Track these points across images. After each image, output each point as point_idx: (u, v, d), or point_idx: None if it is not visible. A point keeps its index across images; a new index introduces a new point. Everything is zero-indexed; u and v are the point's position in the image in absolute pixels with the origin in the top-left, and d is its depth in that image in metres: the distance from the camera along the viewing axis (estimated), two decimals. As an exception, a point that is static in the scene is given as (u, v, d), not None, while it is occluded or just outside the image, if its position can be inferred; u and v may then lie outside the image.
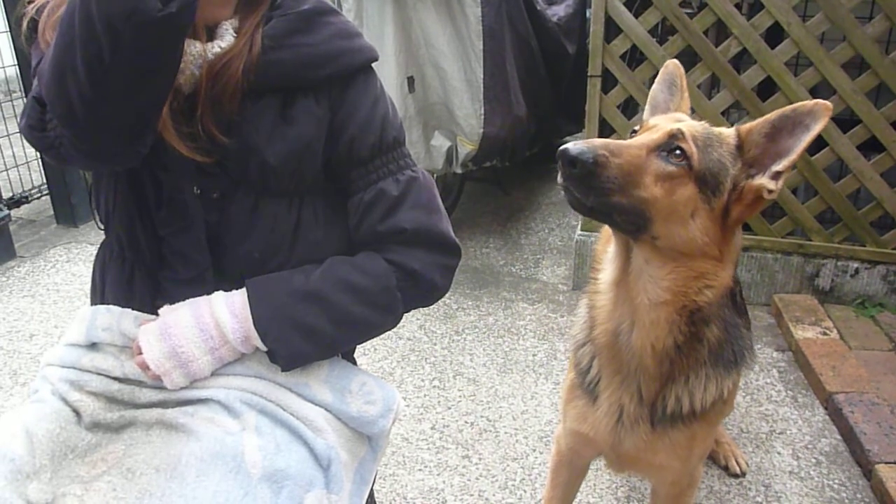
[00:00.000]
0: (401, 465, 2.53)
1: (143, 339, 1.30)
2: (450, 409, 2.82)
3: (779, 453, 2.60)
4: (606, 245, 1.50)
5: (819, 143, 3.26)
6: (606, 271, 1.45)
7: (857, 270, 3.42)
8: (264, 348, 1.32)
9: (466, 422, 2.75)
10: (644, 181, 1.26)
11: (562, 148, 1.23)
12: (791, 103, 1.35)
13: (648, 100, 1.57)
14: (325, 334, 1.32)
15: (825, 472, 2.51)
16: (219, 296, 1.33)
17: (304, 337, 1.30)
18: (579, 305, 1.66)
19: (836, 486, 2.46)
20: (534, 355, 3.16)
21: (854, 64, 3.16)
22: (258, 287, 1.32)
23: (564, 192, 1.28)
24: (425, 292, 1.40)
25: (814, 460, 2.57)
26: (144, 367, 1.30)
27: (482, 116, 3.66)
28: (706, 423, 1.55)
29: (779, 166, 1.29)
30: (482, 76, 3.59)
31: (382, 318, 1.37)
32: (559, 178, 1.26)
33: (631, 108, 3.44)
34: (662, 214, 1.28)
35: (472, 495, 2.40)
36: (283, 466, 1.23)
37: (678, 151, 1.28)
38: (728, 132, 1.35)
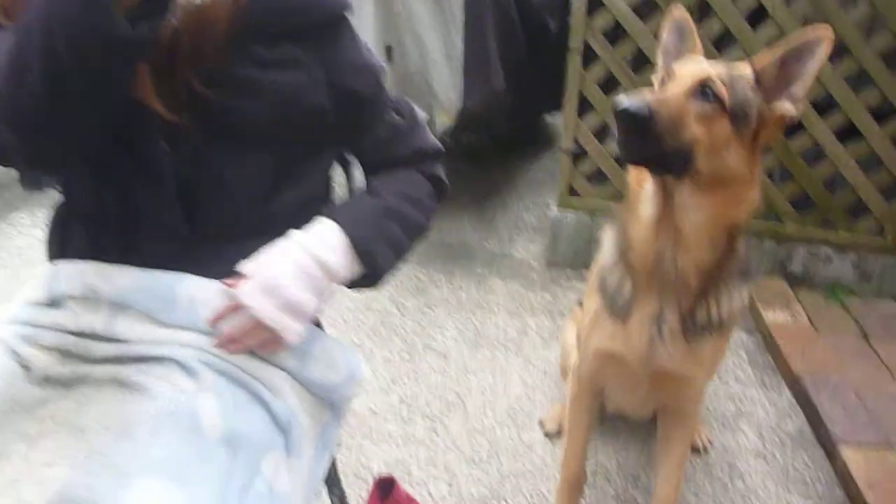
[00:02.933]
0: (367, 436, 2.51)
1: (250, 300, 1.23)
2: (418, 382, 2.79)
3: (744, 433, 2.61)
4: (641, 181, 1.60)
5: (796, 127, 3.25)
6: (645, 208, 1.57)
7: (828, 257, 3.43)
8: (361, 271, 1.34)
9: (434, 395, 2.72)
10: (688, 123, 1.40)
11: (619, 106, 1.35)
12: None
13: (660, 46, 1.67)
14: (404, 246, 1.40)
15: (789, 453, 2.52)
16: (302, 236, 1.29)
17: (395, 251, 1.37)
18: (606, 234, 1.79)
19: (799, 466, 2.47)
20: (505, 331, 3.14)
21: (834, 48, 3.14)
22: (343, 213, 1.33)
23: (620, 148, 1.43)
24: (442, 195, 1.53)
25: (778, 441, 2.58)
26: (250, 331, 1.25)
27: (461, 89, 3.60)
28: (725, 333, 1.73)
29: (796, 89, 1.45)
30: (462, 48, 3.53)
31: (429, 224, 1.47)
32: (616, 133, 1.40)
33: (611, 83, 3.40)
34: (704, 150, 1.43)
35: (437, 467, 2.39)
36: (241, 428, 1.19)
37: (710, 93, 1.42)
38: (745, 68, 1.50)
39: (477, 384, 2.80)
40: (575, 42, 3.35)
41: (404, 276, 3.52)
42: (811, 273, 3.47)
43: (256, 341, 1.26)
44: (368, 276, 1.36)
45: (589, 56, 3.39)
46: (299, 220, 1.36)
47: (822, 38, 1.42)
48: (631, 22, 3.27)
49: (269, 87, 1.27)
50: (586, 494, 2.22)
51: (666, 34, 1.70)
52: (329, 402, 1.39)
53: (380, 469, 2.37)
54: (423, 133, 1.50)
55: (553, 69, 3.84)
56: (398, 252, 1.39)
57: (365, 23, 3.52)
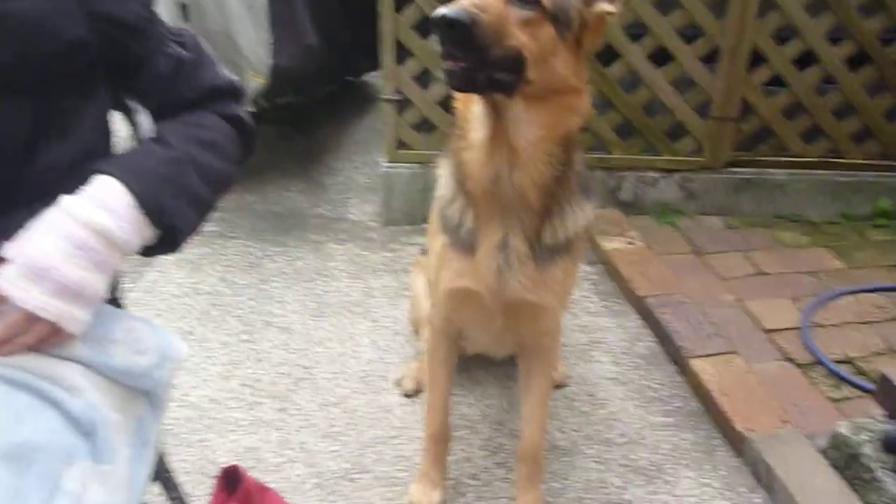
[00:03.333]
0: (209, 428, 2.27)
1: (14, 290, 0.98)
2: (261, 361, 2.58)
3: (599, 361, 2.61)
4: (468, 106, 1.54)
5: (612, 56, 3.27)
6: (476, 130, 1.51)
7: (655, 180, 3.51)
8: (155, 234, 1.13)
9: (280, 373, 2.52)
10: (511, 30, 1.35)
11: (437, 14, 1.27)
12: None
13: None
14: (205, 198, 1.21)
15: (644, 374, 2.54)
16: (71, 201, 1.05)
17: (195, 207, 1.18)
18: (439, 169, 1.71)
19: (655, 385, 2.49)
20: (348, 296, 2.98)
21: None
22: (123, 166, 1.10)
23: (445, 66, 1.34)
24: (249, 138, 1.34)
25: (633, 364, 2.60)
26: (23, 326, 1.01)
27: (270, 45, 3.35)
28: (573, 257, 1.70)
29: None
30: (266, 0, 3.28)
31: (235, 171, 1.30)
32: (440, 49, 1.33)
33: (427, 26, 3.27)
34: (533, 57, 1.38)
35: (292, 449, 2.20)
36: (27, 439, 0.97)
37: None
38: None
39: (325, 355, 2.62)
40: (385, -15, 3.18)
41: (233, 252, 3.25)
42: (641, 198, 3.54)
43: (32, 338, 1.01)
44: (165, 238, 1.16)
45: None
46: (72, 182, 1.10)
47: None
48: (439, -40, 3.14)
49: (4, 18, 1.02)
50: (452, 449, 2.12)
51: None
52: (142, 391, 1.17)
53: (229, 462, 2.14)
54: (214, 68, 1.30)
55: (370, 27, 3.67)
56: (199, 207, 1.20)
57: (152, -21, 3.18)
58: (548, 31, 1.39)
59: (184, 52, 1.25)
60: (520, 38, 1.36)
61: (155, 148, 1.17)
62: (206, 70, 1.28)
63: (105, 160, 1.13)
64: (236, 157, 1.30)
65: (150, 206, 1.09)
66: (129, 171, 1.09)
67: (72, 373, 1.06)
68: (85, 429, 1.04)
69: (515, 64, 1.37)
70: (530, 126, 1.46)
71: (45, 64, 1.08)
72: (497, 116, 1.47)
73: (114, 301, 1.30)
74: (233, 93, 1.32)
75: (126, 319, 1.17)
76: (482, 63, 1.33)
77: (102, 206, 1.05)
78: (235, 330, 2.75)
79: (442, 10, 1.27)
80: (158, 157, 1.15)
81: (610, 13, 1.46)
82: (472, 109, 1.53)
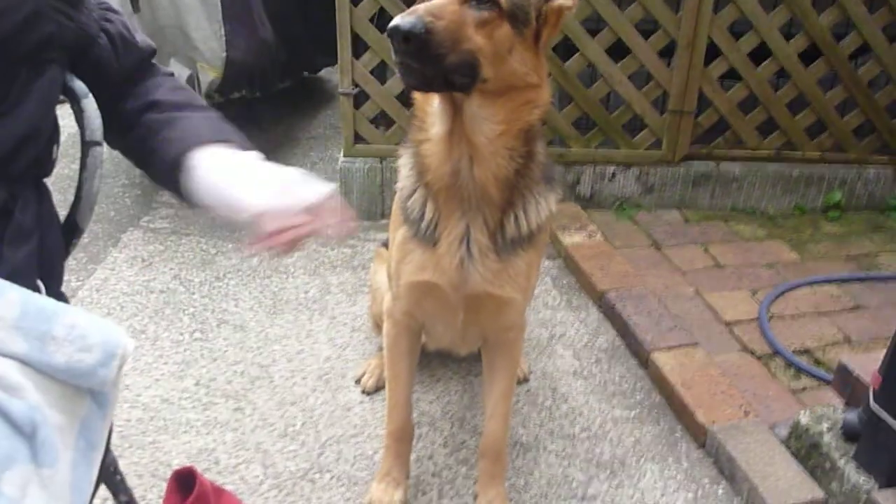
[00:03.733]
0: (162, 429, 2.20)
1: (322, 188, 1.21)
2: (215, 360, 2.50)
3: (561, 356, 2.59)
4: (427, 100, 1.52)
5: (570, 50, 3.26)
6: (436, 126, 1.49)
7: (613, 174, 3.51)
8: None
9: (236, 372, 2.45)
10: (467, 33, 1.32)
11: (392, 26, 1.24)
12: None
13: None
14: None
15: (606, 368, 2.53)
16: (249, 154, 1.24)
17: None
18: (400, 160, 1.68)
19: (616, 379, 2.48)
20: (305, 292, 2.91)
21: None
22: (224, 134, 1.27)
23: (401, 72, 1.32)
24: None
25: (594, 358, 2.58)
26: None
27: (223, 38, 3.28)
28: (536, 250, 1.68)
29: None
30: (218, -9, 3.20)
31: None
32: (394, 58, 1.30)
33: (384, 19, 3.22)
34: (489, 58, 1.36)
35: (248, 449, 2.14)
36: (-39, 443, 0.90)
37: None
38: None
39: (282, 352, 2.55)
40: (339, -24, 3.12)
41: (186, 249, 3.17)
42: (599, 192, 3.54)
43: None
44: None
45: (357, -9, 3.18)
46: (15, 162, 1.07)
47: None
48: (396, -49, 3.10)
49: None
50: (414, 447, 2.08)
51: None
52: (87, 390, 1.10)
53: (182, 464, 2.07)
54: (141, 35, 1.37)
55: (325, 21, 3.61)
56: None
57: (99, -31, 3.08)
58: (505, 30, 1.37)
59: (117, 16, 1.29)
60: (475, 41, 1.33)
61: (196, 115, 1.29)
62: (135, 30, 1.34)
63: (185, 138, 1.24)
64: None
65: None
66: (218, 135, 1.25)
67: (10, 371, 1.00)
68: (25, 431, 0.98)
69: (471, 67, 1.35)
70: (488, 122, 1.44)
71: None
72: (455, 111, 1.45)
73: (57, 296, 1.23)
74: (155, 51, 1.38)
75: (69, 314, 1.11)
76: (437, 71, 1.31)
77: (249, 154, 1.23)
78: (189, 328, 2.67)
79: (396, 21, 1.24)
80: (209, 120, 1.29)
81: (568, 7, 1.44)
82: (431, 102, 1.50)
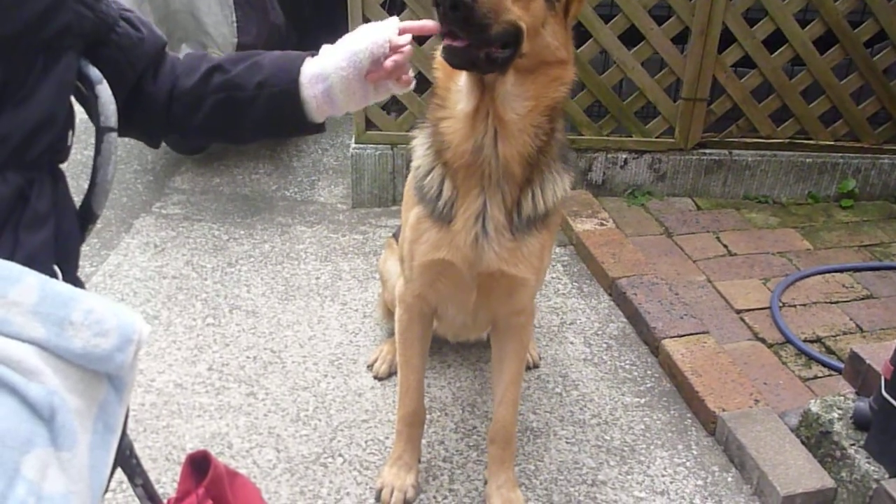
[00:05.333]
0: (176, 413, 2.22)
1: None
2: (228, 345, 2.52)
3: (571, 343, 2.60)
4: (451, 78, 1.54)
5: (583, 36, 3.24)
6: (461, 103, 1.52)
7: (625, 161, 3.50)
8: None
9: (248, 357, 2.47)
10: (506, 5, 1.36)
11: None
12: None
13: None
14: None
15: (616, 355, 2.54)
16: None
17: None
18: (415, 140, 1.70)
19: (627, 366, 2.49)
20: (317, 278, 2.93)
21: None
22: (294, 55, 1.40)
23: (446, 48, 1.37)
24: None
25: (604, 345, 2.59)
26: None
27: (234, 23, 3.27)
28: (549, 232, 1.70)
29: None
30: (229, -24, 3.19)
31: None
32: (441, 29, 1.35)
33: (395, 4, 3.22)
34: (528, 29, 1.39)
35: (260, 434, 2.16)
36: (-18, 426, 0.91)
37: None
38: None
39: (294, 338, 2.57)
40: (351, -39, 3.11)
41: (199, 235, 3.18)
42: (611, 179, 3.53)
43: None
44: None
45: (369, -24, 3.17)
46: (31, 149, 1.08)
47: None
48: (408, -65, 3.09)
49: None
50: (425, 432, 2.09)
51: None
52: (104, 375, 1.12)
53: (195, 447, 2.10)
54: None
55: (335, 5, 3.60)
56: None
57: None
58: (539, 2, 1.41)
59: (132, 12, 1.31)
60: (515, 12, 1.37)
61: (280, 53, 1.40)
62: (152, 26, 1.36)
63: (283, 63, 1.37)
64: None
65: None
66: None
67: (29, 356, 1.01)
68: (44, 414, 0.99)
69: (513, 38, 1.38)
70: (519, 98, 1.47)
71: (17, 33, 1.05)
72: (483, 90, 1.47)
73: (73, 282, 1.24)
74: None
75: (85, 300, 1.12)
76: (483, 40, 1.34)
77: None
78: (202, 314, 2.69)
79: None
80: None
81: None
82: (455, 81, 1.53)
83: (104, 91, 1.25)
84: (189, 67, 1.37)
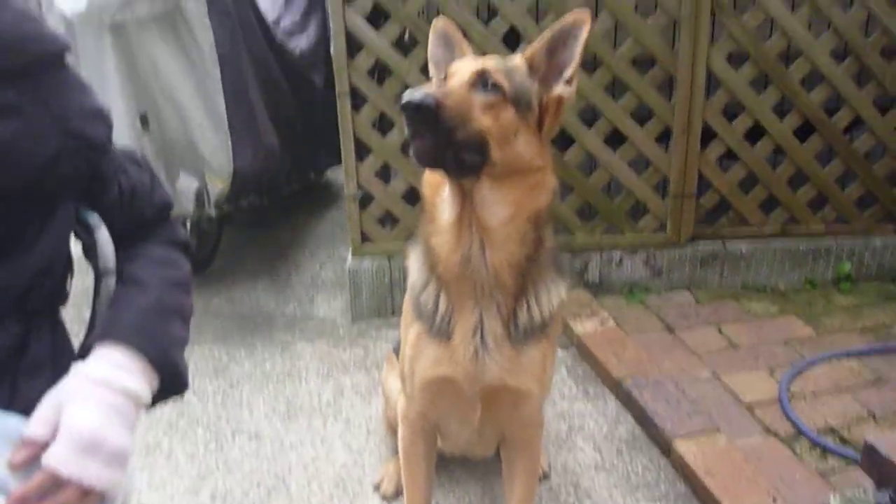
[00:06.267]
0: (179, 549, 2.16)
1: (75, 468, 0.99)
2: (231, 472, 2.47)
3: (581, 449, 2.55)
4: (436, 192, 1.56)
5: (568, 140, 3.33)
6: (445, 213, 1.53)
7: (620, 259, 3.52)
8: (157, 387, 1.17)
9: (252, 482, 2.42)
10: (474, 114, 1.40)
11: (404, 99, 1.32)
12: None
13: (429, 58, 1.68)
14: (186, 338, 1.27)
15: (628, 460, 2.48)
16: (99, 368, 1.10)
17: (182, 348, 1.24)
18: (409, 258, 1.71)
19: (639, 470, 2.43)
20: (319, 396, 2.90)
21: (588, 63, 3.27)
22: (125, 328, 1.15)
23: (413, 146, 1.37)
24: (190, 257, 1.39)
25: (615, 450, 2.54)
26: (51, 490, 0.99)
27: (230, 149, 3.36)
28: (550, 341, 1.69)
29: (567, 74, 1.51)
30: (224, 105, 3.30)
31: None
32: (406, 130, 1.37)
33: (385, 123, 3.32)
34: (496, 139, 1.42)
35: (267, 565, 2.09)
36: None
37: (490, 84, 1.43)
38: (518, 60, 1.53)
39: (297, 460, 2.52)
40: (341, 85, 3.22)
41: (199, 358, 3.17)
42: (608, 278, 3.55)
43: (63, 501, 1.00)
44: (172, 386, 1.21)
45: (358, 99, 3.28)
46: (31, 298, 1.10)
47: (583, 20, 1.48)
48: (393, 59, 3.21)
49: None
50: (436, 553, 2.03)
51: (433, 46, 1.68)
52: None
53: (200, 584, 2.03)
54: (160, 183, 1.37)
55: (327, 124, 3.72)
56: (184, 347, 1.26)
57: (112, 91, 3.20)
58: (510, 114, 1.44)
59: (139, 171, 1.31)
60: (483, 122, 1.41)
61: (142, 298, 1.20)
62: (157, 187, 1.34)
63: (107, 324, 1.17)
64: (192, 287, 1.35)
65: (161, 362, 1.16)
66: (134, 332, 1.14)
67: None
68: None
69: (480, 146, 1.41)
70: (499, 205, 1.48)
71: (17, 186, 1.08)
72: (465, 197, 1.49)
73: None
74: (171, 207, 1.39)
75: None
76: (448, 143, 1.37)
77: (124, 368, 1.10)
78: (203, 440, 2.65)
79: (409, 94, 1.33)
80: (150, 309, 1.19)
81: (567, 96, 1.53)
82: (440, 193, 1.55)
83: (103, 235, 1.27)
84: (130, 255, 1.28)
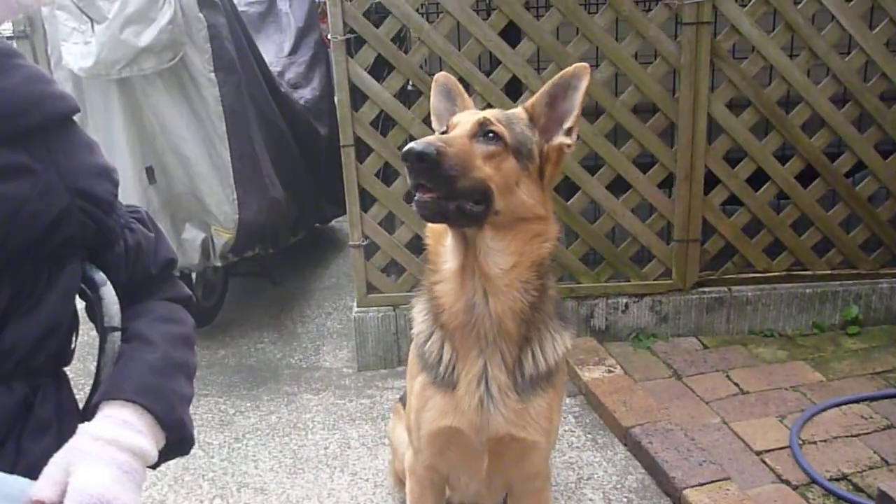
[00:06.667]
0: None
1: None
2: (236, 528, 2.44)
3: (590, 500, 2.51)
4: (440, 241, 1.58)
5: (572, 188, 3.35)
6: (449, 262, 1.55)
7: (626, 306, 3.52)
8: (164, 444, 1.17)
9: (257, 539, 2.39)
10: (476, 163, 1.42)
11: (406, 149, 1.34)
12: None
13: (432, 111, 1.71)
14: (191, 394, 1.27)
15: (638, 510, 2.45)
16: (107, 429, 1.09)
17: (188, 404, 1.24)
18: (414, 309, 1.71)
19: (650, 521, 2.40)
20: (325, 448, 2.87)
21: (590, 111, 3.31)
22: (132, 386, 1.14)
23: (416, 202, 1.39)
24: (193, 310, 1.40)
25: (625, 500, 2.50)
26: None
27: (235, 201, 3.39)
28: (556, 390, 1.68)
29: (568, 124, 1.53)
30: (229, 159, 3.34)
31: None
32: (409, 181, 1.39)
33: (391, 174, 3.35)
34: (499, 188, 1.44)
35: None
36: None
37: (491, 134, 1.45)
38: (518, 111, 1.56)
39: (304, 514, 2.49)
40: (345, 137, 3.26)
41: (205, 411, 3.15)
42: (614, 325, 3.54)
43: None
44: (178, 443, 1.20)
45: (362, 150, 3.31)
46: (36, 357, 1.10)
47: (583, 72, 1.51)
48: (397, 110, 3.25)
49: None
50: None
51: (434, 98, 1.71)
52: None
53: None
54: (165, 240, 1.39)
55: (331, 174, 3.76)
56: (188, 404, 1.25)
57: (118, 144, 3.25)
58: (511, 163, 1.47)
59: (144, 229, 1.32)
60: (485, 171, 1.42)
61: (147, 356, 1.19)
62: (161, 243, 1.35)
63: (111, 382, 1.16)
64: (195, 342, 1.35)
65: (168, 420, 1.15)
66: (140, 390, 1.13)
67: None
68: None
69: (483, 195, 1.43)
70: (501, 253, 1.49)
71: (26, 244, 1.09)
72: (468, 246, 1.51)
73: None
74: (175, 264, 1.39)
75: None
76: (451, 193, 1.38)
77: (131, 428, 1.10)
78: (209, 495, 2.62)
79: (411, 144, 1.35)
80: (155, 367, 1.18)
81: (568, 145, 1.55)
82: (444, 243, 1.56)
83: (108, 292, 1.28)
84: (133, 312, 1.28)
